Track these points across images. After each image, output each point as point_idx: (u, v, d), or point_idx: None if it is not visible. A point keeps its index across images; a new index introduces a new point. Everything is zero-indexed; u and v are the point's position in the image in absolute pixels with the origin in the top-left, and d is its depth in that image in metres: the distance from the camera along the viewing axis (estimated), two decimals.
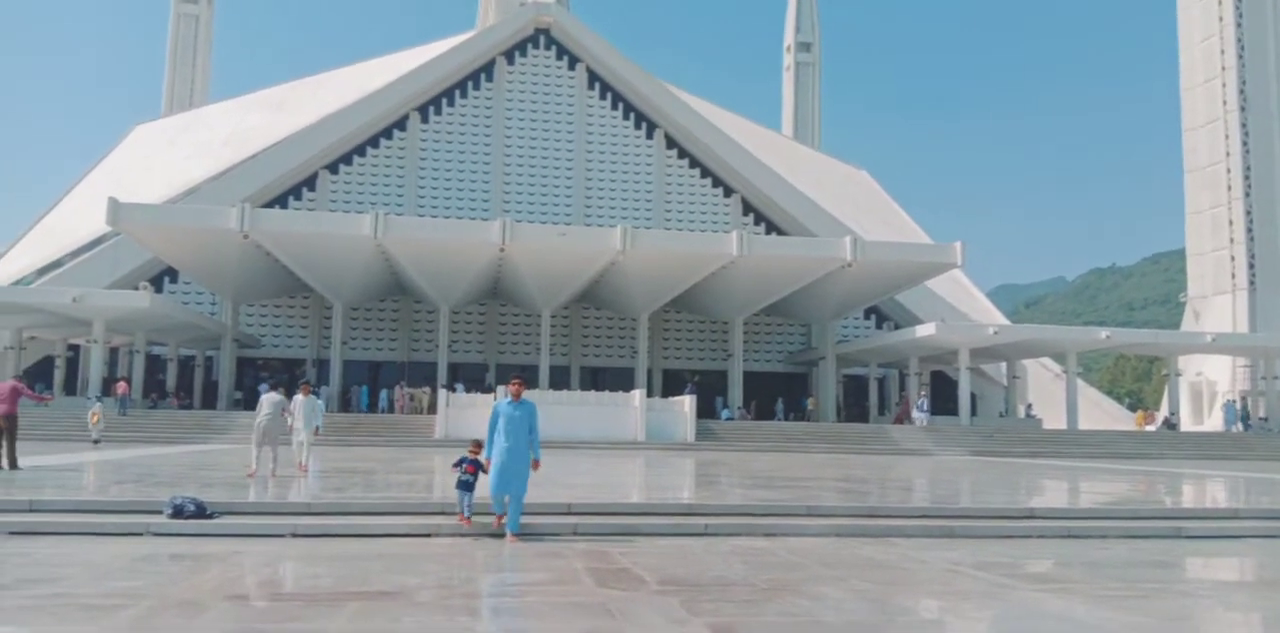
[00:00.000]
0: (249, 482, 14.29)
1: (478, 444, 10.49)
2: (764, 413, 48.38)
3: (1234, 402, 51.79)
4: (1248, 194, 63.90)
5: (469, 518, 10.25)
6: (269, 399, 15.83)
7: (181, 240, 39.00)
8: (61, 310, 37.49)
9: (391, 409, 43.09)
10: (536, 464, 10.05)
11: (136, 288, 44.28)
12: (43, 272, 49.32)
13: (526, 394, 10.37)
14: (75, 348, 47.09)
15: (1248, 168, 64.10)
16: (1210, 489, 18.63)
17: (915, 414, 42.81)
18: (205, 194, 47.88)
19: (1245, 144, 64.23)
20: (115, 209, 36.11)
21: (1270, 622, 6.69)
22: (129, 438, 31.10)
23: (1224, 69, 65.43)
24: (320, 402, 17.53)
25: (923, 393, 46.03)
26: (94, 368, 38.49)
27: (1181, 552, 10.39)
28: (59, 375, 44.96)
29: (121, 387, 37.42)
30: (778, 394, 51.24)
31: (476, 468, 10.28)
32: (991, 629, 6.40)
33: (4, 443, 16.08)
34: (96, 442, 27.39)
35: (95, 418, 27.58)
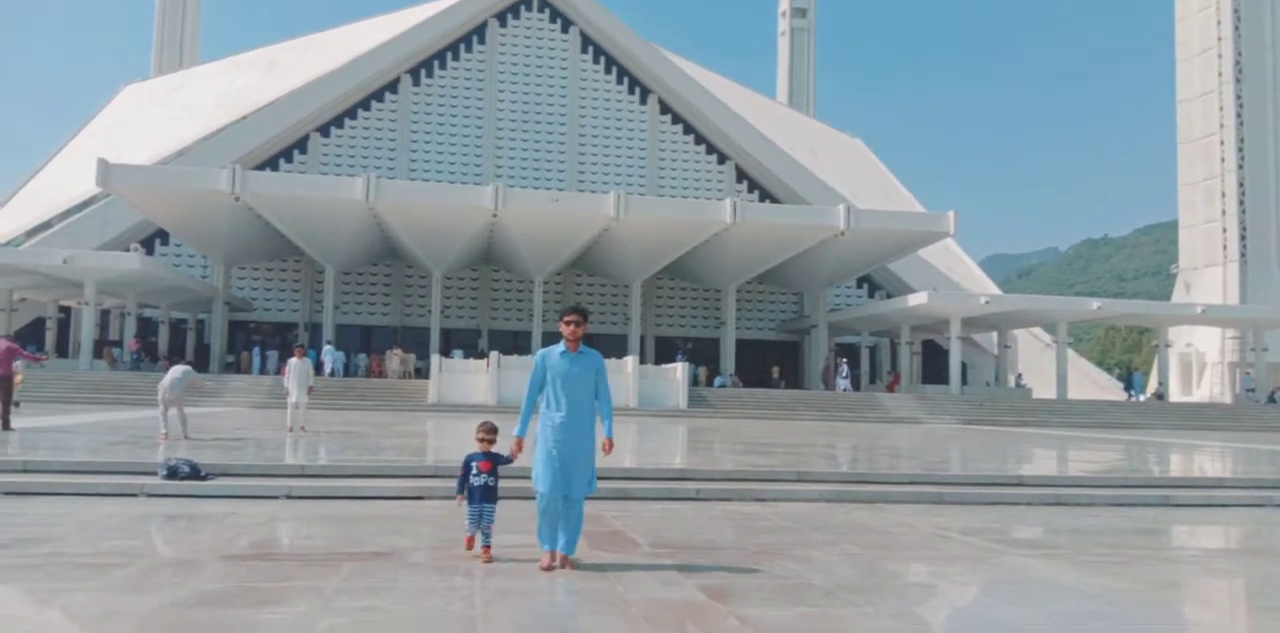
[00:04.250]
0: (237, 444, 14.32)
1: (489, 430, 6.65)
2: (749, 382, 48.49)
3: (1250, 375, 51.71)
4: (1240, 166, 63.84)
5: (488, 547, 6.53)
6: (175, 369, 16.26)
7: (172, 202, 38.73)
8: (52, 272, 37.34)
9: (346, 373, 43.48)
10: (609, 445, 6.73)
11: (127, 249, 44.13)
12: (31, 233, 49.00)
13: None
14: (67, 310, 46.97)
15: (1241, 140, 63.98)
16: (1197, 459, 18.81)
17: (839, 382, 43.13)
18: (196, 156, 47.49)
19: (1239, 116, 64.06)
20: (105, 170, 35.80)
21: (1254, 588, 6.78)
22: (119, 401, 31.08)
23: (1220, 40, 65.05)
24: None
25: (843, 360, 46.30)
26: (85, 330, 38.51)
27: (1168, 519, 10.51)
28: (51, 337, 44.86)
29: (133, 344, 40.30)
30: (768, 362, 51.42)
31: (495, 464, 6.58)
32: (979, 593, 6.48)
33: None
34: (16, 403, 24.01)
35: (19, 378, 24.24)
